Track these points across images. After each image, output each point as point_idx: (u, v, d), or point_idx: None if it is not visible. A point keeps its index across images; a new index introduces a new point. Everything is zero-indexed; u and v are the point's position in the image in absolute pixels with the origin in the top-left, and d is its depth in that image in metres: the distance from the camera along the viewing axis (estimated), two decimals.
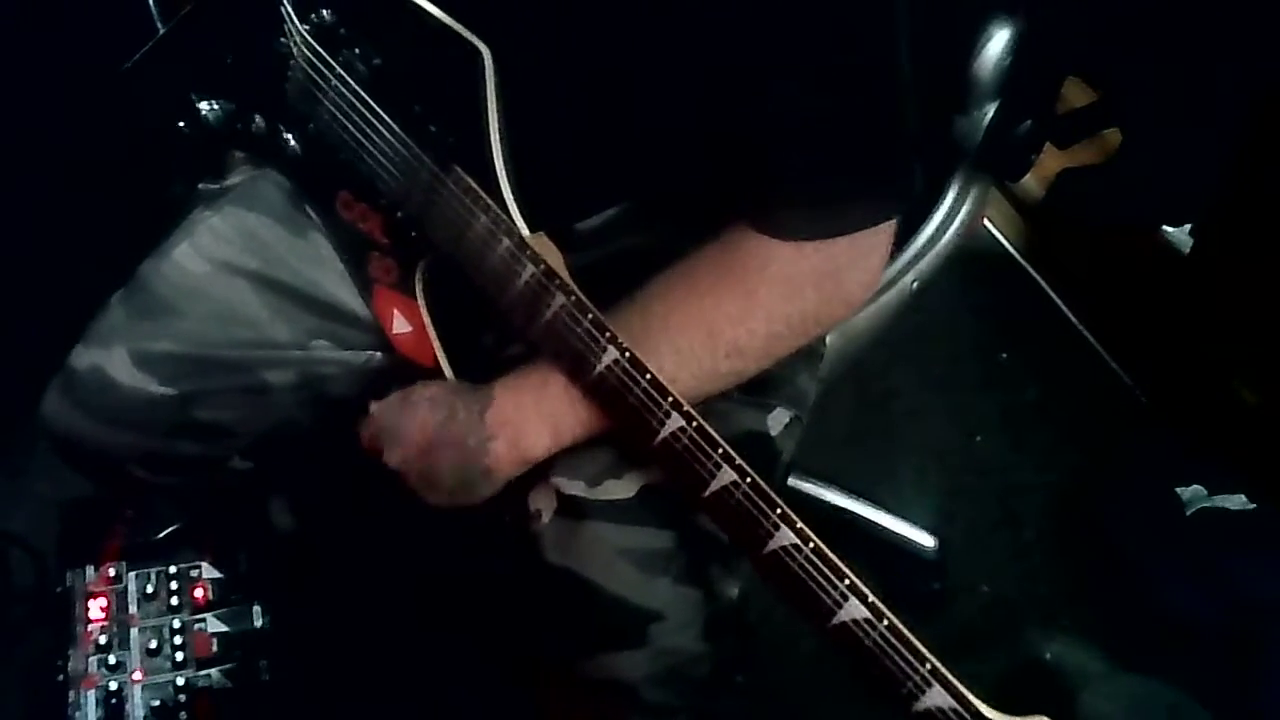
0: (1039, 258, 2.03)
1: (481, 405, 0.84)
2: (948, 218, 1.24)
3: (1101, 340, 1.92)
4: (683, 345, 0.83)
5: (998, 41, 1.15)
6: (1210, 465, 1.64)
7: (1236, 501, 1.59)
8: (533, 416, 0.84)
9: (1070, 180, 1.92)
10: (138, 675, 1.09)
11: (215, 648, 1.12)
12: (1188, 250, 1.82)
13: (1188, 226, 1.84)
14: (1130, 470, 1.73)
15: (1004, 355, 1.90)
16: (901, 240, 1.22)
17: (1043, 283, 2.01)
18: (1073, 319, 1.95)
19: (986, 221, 2.05)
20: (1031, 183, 1.97)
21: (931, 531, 1.59)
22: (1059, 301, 1.98)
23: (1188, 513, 1.59)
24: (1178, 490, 1.61)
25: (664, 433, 0.77)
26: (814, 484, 1.57)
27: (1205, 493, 1.60)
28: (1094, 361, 1.90)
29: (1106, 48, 1.80)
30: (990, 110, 1.17)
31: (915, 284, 1.23)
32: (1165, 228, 1.86)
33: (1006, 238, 2.06)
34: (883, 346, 1.27)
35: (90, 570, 1.15)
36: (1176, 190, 1.82)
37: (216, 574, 1.16)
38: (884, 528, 1.58)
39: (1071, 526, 1.68)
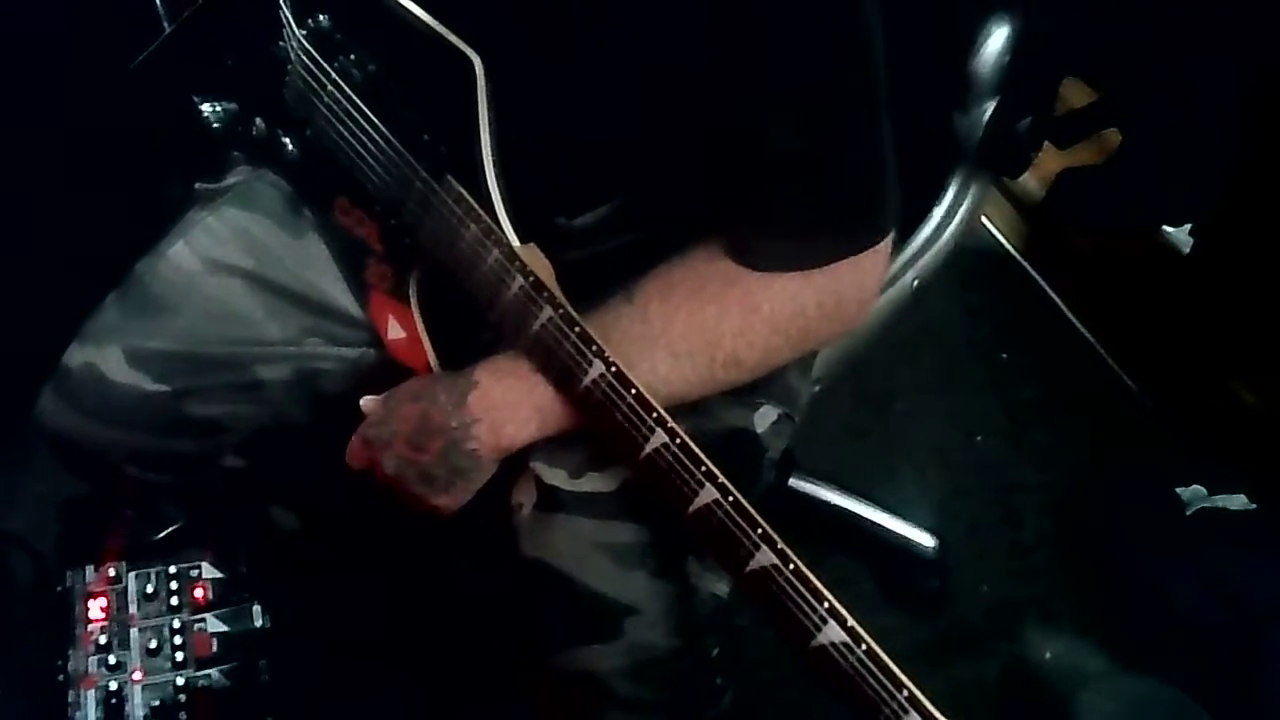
0: (1039, 258, 2.03)
1: (463, 389, 0.84)
2: (947, 215, 1.24)
3: (1101, 340, 1.92)
4: (681, 352, 0.83)
5: (997, 38, 1.15)
6: (1210, 465, 1.64)
7: (1236, 501, 1.58)
8: (521, 403, 0.83)
9: (1070, 180, 1.91)
10: (138, 675, 1.09)
11: (215, 648, 1.12)
12: (1188, 250, 1.82)
13: (1188, 226, 1.84)
14: (1130, 470, 1.73)
15: (1004, 355, 1.90)
16: (901, 239, 1.23)
17: (1043, 283, 2.00)
18: (1073, 319, 1.95)
19: (986, 221, 2.04)
20: (1031, 183, 1.97)
21: (931, 531, 1.59)
22: (1059, 301, 1.98)
23: (1188, 513, 1.58)
24: (1178, 490, 1.61)
25: (648, 448, 0.76)
26: (814, 484, 1.57)
27: (1205, 493, 1.60)
28: (1094, 361, 1.90)
29: (1106, 47, 1.80)
30: (990, 107, 1.17)
31: (915, 282, 1.23)
32: (1165, 228, 1.86)
33: (1006, 238, 2.06)
34: (883, 346, 1.27)
35: (90, 570, 1.15)
36: (1176, 190, 1.81)
37: (216, 574, 1.16)
38: (884, 527, 1.59)
39: (1071, 526, 1.68)
